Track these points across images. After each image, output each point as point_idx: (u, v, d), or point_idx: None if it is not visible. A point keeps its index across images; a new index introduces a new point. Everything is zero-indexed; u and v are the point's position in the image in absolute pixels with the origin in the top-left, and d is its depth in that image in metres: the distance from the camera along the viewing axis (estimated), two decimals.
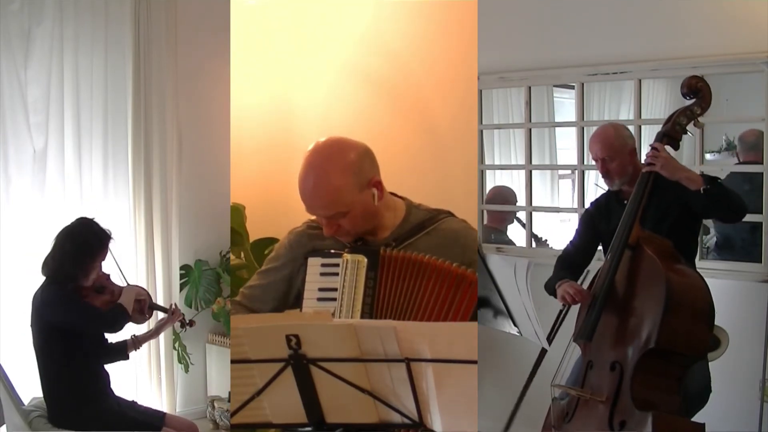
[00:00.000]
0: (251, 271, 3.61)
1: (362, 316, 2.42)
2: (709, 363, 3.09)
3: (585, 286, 3.16)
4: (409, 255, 2.45)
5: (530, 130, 4.52)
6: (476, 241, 2.56)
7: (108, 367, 3.45)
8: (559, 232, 4.86)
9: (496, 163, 4.90)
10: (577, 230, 3.47)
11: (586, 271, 3.26)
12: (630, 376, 2.86)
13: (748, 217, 3.17)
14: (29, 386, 3.53)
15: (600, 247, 3.40)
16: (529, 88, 4.42)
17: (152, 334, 3.69)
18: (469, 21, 3.44)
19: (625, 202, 3.13)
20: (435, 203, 2.61)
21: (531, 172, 4.52)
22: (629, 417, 2.81)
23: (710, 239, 4.15)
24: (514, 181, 4.88)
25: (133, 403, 3.49)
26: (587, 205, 3.61)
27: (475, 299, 2.41)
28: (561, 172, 5.48)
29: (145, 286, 4.30)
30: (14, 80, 4.06)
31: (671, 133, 3.10)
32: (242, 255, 3.87)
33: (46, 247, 3.35)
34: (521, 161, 4.63)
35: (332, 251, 2.51)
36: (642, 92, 3.99)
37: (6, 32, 4.02)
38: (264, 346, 1.97)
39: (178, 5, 4.58)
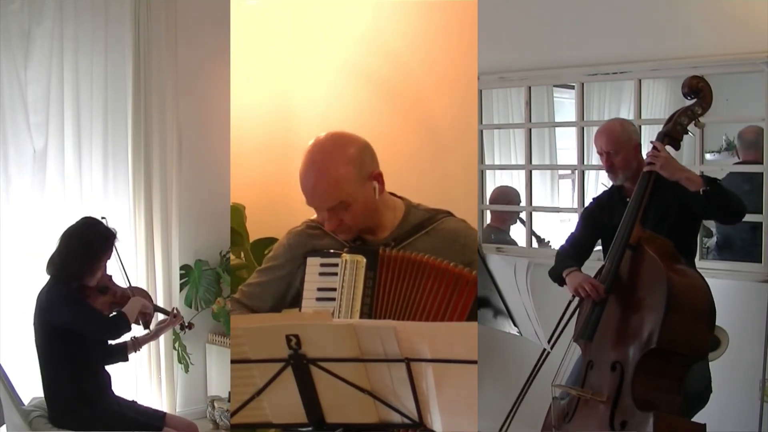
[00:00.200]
0: (251, 271, 3.60)
1: (361, 316, 2.42)
2: (709, 363, 3.09)
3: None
4: (408, 255, 2.45)
5: (530, 130, 4.52)
6: (476, 240, 2.56)
7: (108, 367, 3.45)
8: (559, 232, 4.86)
9: (496, 163, 4.90)
10: (577, 225, 3.46)
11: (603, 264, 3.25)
12: (631, 376, 2.86)
13: (748, 217, 3.17)
14: (29, 386, 3.52)
15: (599, 248, 3.39)
16: (529, 88, 4.42)
17: (152, 337, 3.68)
18: (469, 21, 3.44)
19: (628, 199, 3.12)
20: (435, 203, 2.61)
21: (531, 172, 4.51)
22: (630, 417, 2.81)
23: (710, 239, 4.15)
24: (514, 181, 4.88)
25: (133, 402, 3.49)
26: (588, 204, 3.60)
27: (471, 299, 2.40)
28: (561, 172, 5.48)
29: (145, 286, 4.31)
30: (14, 80, 4.06)
31: (672, 133, 3.09)
32: (242, 255, 3.87)
33: (46, 247, 3.35)
34: (521, 161, 4.63)
35: (331, 251, 2.51)
36: (642, 92, 3.99)
37: (6, 32, 4.02)
38: (264, 346, 1.97)
39: (178, 5, 4.58)
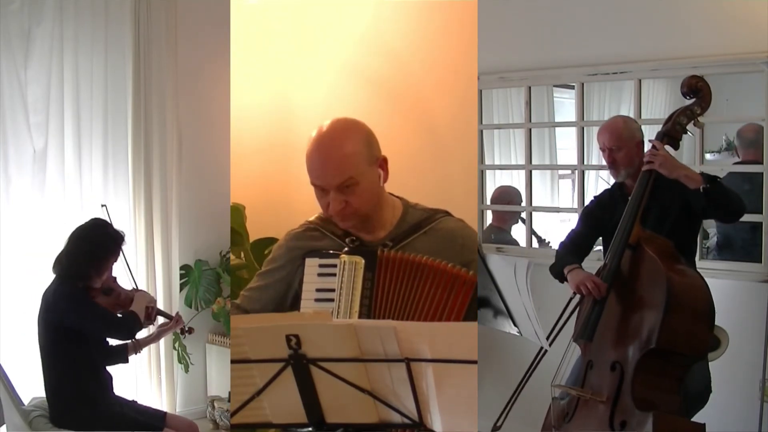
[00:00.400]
0: (251, 271, 3.62)
1: (360, 317, 2.42)
2: (709, 363, 3.09)
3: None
4: (407, 256, 2.45)
5: (530, 130, 4.52)
6: (475, 240, 2.56)
7: (108, 367, 3.45)
8: (559, 232, 4.86)
9: (496, 163, 4.90)
10: (577, 222, 3.45)
11: (603, 263, 3.25)
12: (630, 376, 2.86)
13: (748, 217, 3.17)
14: (29, 386, 3.53)
15: (599, 248, 3.39)
16: (529, 88, 4.42)
17: (153, 339, 3.69)
18: (469, 21, 3.44)
19: (629, 197, 3.12)
20: (435, 203, 2.61)
21: (531, 172, 4.51)
22: (630, 417, 2.81)
23: (710, 240, 4.15)
24: (514, 181, 4.88)
25: (134, 402, 3.49)
26: (588, 203, 3.60)
27: (468, 299, 2.41)
28: (561, 172, 5.48)
29: (145, 286, 4.31)
30: (14, 80, 4.06)
31: (671, 133, 3.10)
32: (242, 255, 3.86)
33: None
34: (521, 161, 4.63)
35: (330, 252, 2.51)
36: (642, 92, 3.99)
37: (6, 32, 4.02)
38: (264, 346, 1.97)
39: (178, 5, 4.58)
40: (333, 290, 2.47)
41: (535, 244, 4.62)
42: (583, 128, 4.22)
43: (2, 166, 4.05)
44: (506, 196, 4.75)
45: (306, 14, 3.55)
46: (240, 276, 3.82)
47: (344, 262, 2.47)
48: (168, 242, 4.59)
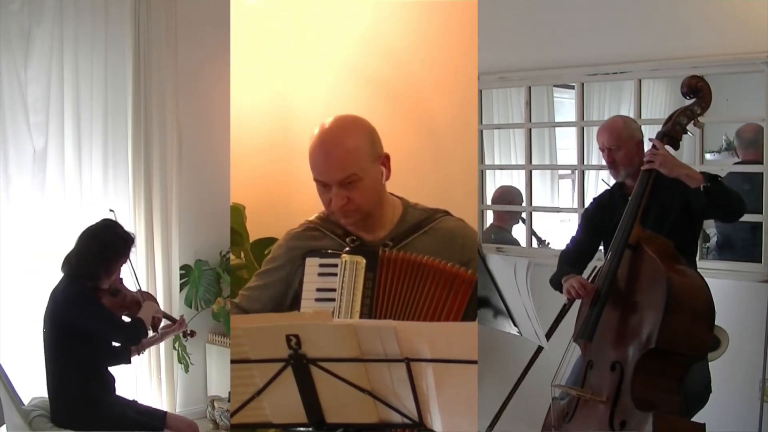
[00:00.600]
0: (251, 271, 3.61)
1: (361, 317, 2.42)
2: (709, 363, 3.09)
3: (590, 282, 3.14)
4: (408, 256, 2.45)
5: (530, 130, 4.52)
6: (475, 239, 2.56)
7: (110, 367, 3.45)
8: (559, 232, 4.86)
9: (496, 163, 4.90)
10: (578, 228, 3.46)
11: (594, 266, 3.25)
12: (630, 376, 2.86)
13: (748, 217, 3.16)
14: (29, 386, 3.53)
15: (600, 247, 3.39)
16: (529, 88, 4.42)
17: (156, 340, 3.69)
18: (469, 21, 3.44)
19: (629, 197, 3.12)
20: (435, 203, 2.61)
21: (531, 172, 4.52)
22: (629, 417, 2.81)
23: (711, 241, 4.15)
24: (514, 181, 4.88)
25: (134, 402, 3.49)
26: (587, 205, 3.60)
27: (467, 298, 2.40)
28: (561, 172, 5.48)
29: (145, 286, 4.31)
30: (14, 80, 4.07)
31: (671, 133, 3.09)
32: (242, 255, 3.86)
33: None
34: (521, 161, 4.63)
35: (330, 251, 2.51)
36: (642, 92, 3.99)
37: (6, 32, 4.02)
38: (264, 346, 1.97)
39: (178, 5, 4.57)
40: (333, 290, 2.46)
41: (534, 244, 4.62)
42: (583, 128, 4.22)
43: (2, 166, 4.05)
44: (507, 195, 4.75)
45: (306, 14, 3.55)
46: (240, 276, 3.82)
47: (345, 261, 2.47)
48: (168, 242, 4.59)
